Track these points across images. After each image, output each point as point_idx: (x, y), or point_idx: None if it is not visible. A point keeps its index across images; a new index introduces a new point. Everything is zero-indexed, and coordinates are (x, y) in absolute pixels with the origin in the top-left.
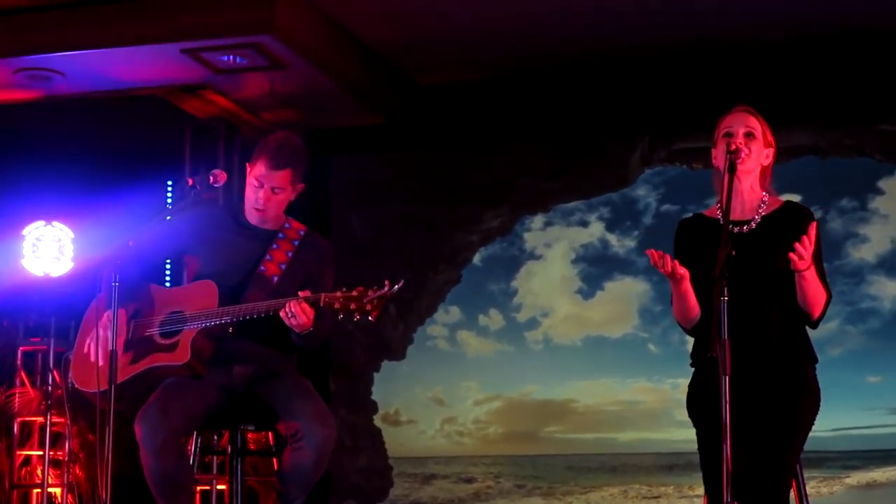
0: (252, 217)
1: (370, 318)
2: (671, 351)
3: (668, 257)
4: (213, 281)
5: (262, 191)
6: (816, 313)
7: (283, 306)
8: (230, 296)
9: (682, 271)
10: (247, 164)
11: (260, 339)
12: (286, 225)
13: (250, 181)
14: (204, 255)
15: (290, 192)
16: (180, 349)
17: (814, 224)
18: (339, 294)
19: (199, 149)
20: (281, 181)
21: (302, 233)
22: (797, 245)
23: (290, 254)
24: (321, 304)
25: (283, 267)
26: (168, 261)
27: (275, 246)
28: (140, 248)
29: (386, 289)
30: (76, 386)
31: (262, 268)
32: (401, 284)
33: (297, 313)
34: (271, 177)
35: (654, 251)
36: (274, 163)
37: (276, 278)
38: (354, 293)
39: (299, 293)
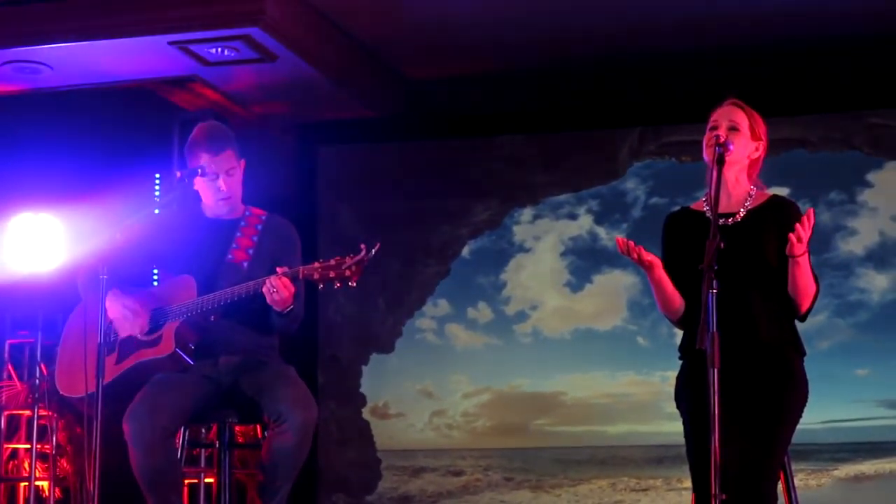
0: (220, 209)
1: (350, 283)
2: (660, 344)
3: (633, 244)
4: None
5: (221, 179)
6: (805, 305)
7: (264, 284)
8: (205, 287)
9: (650, 258)
10: (185, 171)
11: (243, 327)
12: (247, 213)
13: (203, 179)
14: (174, 257)
15: (239, 171)
16: (164, 342)
17: (811, 210)
18: (317, 265)
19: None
20: (228, 162)
21: (263, 217)
22: (797, 226)
23: (254, 238)
24: (300, 277)
25: (251, 252)
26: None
27: (239, 234)
28: (121, 263)
29: (363, 254)
30: (62, 394)
31: (230, 256)
32: (377, 248)
33: (279, 287)
34: (219, 162)
35: (620, 238)
36: (216, 149)
37: (245, 264)
38: (332, 262)
39: (277, 269)
